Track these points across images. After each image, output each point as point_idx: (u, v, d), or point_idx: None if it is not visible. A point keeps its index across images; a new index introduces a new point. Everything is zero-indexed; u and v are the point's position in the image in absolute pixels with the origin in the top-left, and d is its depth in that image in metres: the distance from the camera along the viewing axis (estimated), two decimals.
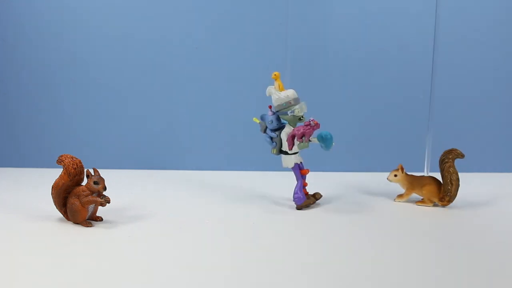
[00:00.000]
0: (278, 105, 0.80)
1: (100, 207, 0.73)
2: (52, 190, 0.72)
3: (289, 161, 0.83)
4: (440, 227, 0.73)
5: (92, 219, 0.73)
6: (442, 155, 0.86)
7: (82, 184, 0.73)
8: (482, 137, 1.24)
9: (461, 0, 1.19)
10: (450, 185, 0.83)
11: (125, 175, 1.16)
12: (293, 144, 0.80)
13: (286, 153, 0.83)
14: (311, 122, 0.79)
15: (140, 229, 0.70)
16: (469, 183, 0.95)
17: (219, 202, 0.88)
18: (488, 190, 0.99)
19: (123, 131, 1.26)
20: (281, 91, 0.81)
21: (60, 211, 0.73)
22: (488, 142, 1.24)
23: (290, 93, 0.80)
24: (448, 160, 0.84)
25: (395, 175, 0.87)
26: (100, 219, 0.73)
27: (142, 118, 1.25)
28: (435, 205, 0.86)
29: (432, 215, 0.80)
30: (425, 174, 1.01)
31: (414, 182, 0.87)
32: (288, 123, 0.82)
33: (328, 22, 1.22)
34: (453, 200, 0.84)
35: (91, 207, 0.71)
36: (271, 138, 0.83)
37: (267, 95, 0.83)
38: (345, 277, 0.51)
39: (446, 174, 0.83)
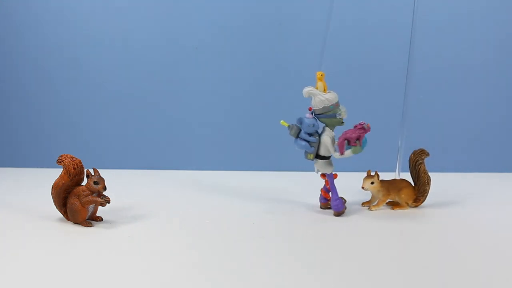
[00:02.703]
0: (324, 107, 0.75)
1: (100, 207, 0.73)
2: (52, 190, 0.72)
3: (328, 166, 0.79)
4: (442, 224, 0.73)
5: (92, 219, 0.73)
6: (414, 156, 0.85)
7: (82, 184, 0.73)
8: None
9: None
10: (426, 185, 0.83)
11: (125, 175, 1.16)
12: (345, 149, 0.77)
13: (323, 158, 0.78)
14: (364, 125, 0.76)
15: (140, 229, 0.70)
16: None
17: (219, 202, 0.88)
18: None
19: (123, 131, 1.26)
20: (325, 92, 0.76)
21: (60, 211, 0.73)
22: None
23: (335, 95, 0.76)
24: (422, 161, 0.84)
25: (372, 183, 0.81)
26: (100, 219, 0.73)
27: (142, 118, 1.25)
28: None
29: (426, 212, 0.80)
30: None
31: (390, 187, 0.83)
32: (326, 126, 0.78)
33: None
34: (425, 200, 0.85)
35: (91, 207, 0.71)
36: (309, 142, 0.77)
37: (306, 96, 0.77)
38: (345, 278, 0.51)
39: (423, 175, 0.83)
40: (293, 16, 1.21)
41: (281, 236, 0.67)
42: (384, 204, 0.85)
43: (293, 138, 0.78)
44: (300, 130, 0.77)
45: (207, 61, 1.23)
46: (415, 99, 1.20)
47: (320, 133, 0.78)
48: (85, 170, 0.72)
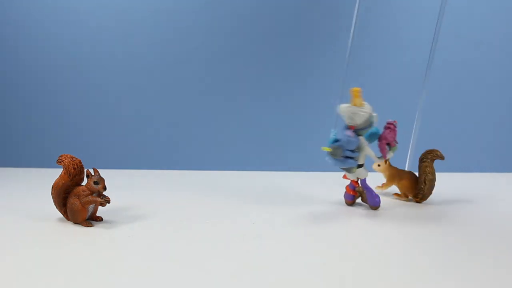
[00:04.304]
0: (366, 120, 0.76)
1: (100, 207, 0.73)
2: (52, 190, 0.72)
3: (366, 171, 0.82)
4: (442, 221, 0.73)
5: (92, 219, 0.73)
6: (422, 154, 0.88)
7: (82, 184, 0.73)
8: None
9: (467, 1, 1.20)
10: (423, 184, 0.85)
11: (125, 175, 1.15)
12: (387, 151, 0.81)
13: (361, 166, 0.81)
14: (395, 123, 0.80)
15: (140, 229, 0.70)
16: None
17: (219, 202, 0.88)
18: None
19: (123, 131, 1.26)
20: (361, 106, 0.76)
21: (60, 211, 0.73)
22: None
23: (369, 105, 0.77)
24: (426, 160, 0.86)
25: (378, 165, 0.90)
26: (100, 219, 0.73)
27: (142, 118, 1.25)
28: (409, 199, 0.90)
29: (427, 210, 0.80)
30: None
31: (394, 174, 0.89)
32: (359, 135, 0.79)
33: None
34: (426, 198, 0.87)
35: (91, 207, 0.71)
36: (353, 158, 0.78)
37: (348, 115, 0.76)
38: (346, 278, 0.51)
39: (422, 173, 0.86)
40: (294, 15, 1.21)
41: (283, 236, 0.67)
42: (388, 188, 0.92)
43: (333, 158, 0.77)
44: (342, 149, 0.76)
45: (207, 62, 1.23)
46: (428, 101, 1.21)
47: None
48: (85, 170, 0.72)
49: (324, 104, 1.21)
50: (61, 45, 1.22)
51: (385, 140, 0.79)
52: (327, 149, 0.76)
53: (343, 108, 0.77)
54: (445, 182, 1.09)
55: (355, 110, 0.75)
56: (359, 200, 0.90)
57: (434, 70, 1.23)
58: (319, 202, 0.88)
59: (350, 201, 0.86)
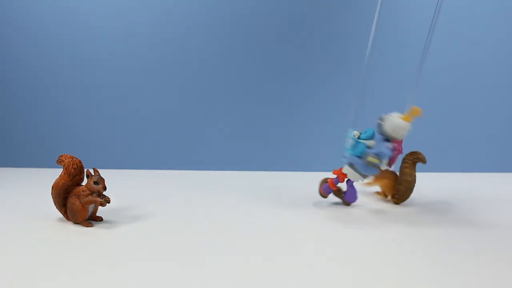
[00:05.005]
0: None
1: (100, 207, 0.73)
2: (52, 190, 0.72)
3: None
4: (442, 221, 0.73)
5: (92, 219, 0.73)
6: (406, 155, 0.87)
7: (82, 184, 0.73)
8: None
9: (461, 2, 1.19)
10: (399, 185, 0.85)
11: (125, 175, 1.15)
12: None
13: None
14: None
15: (140, 229, 0.70)
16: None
17: (220, 202, 0.88)
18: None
19: (123, 131, 1.26)
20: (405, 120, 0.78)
21: (60, 211, 0.73)
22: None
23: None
24: (407, 161, 0.85)
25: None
26: (100, 219, 0.73)
27: (142, 118, 1.25)
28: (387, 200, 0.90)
29: (427, 210, 0.80)
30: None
31: (378, 174, 0.87)
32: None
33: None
34: (403, 200, 0.86)
35: (91, 207, 0.71)
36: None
37: (398, 130, 0.77)
38: (346, 278, 0.51)
39: (400, 174, 0.85)
40: (294, 15, 1.21)
41: (283, 236, 0.67)
42: (372, 186, 0.90)
43: (370, 166, 0.79)
44: None
45: (207, 62, 1.22)
46: (428, 101, 1.21)
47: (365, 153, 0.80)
48: (85, 170, 0.72)
49: (324, 104, 1.21)
50: (61, 45, 1.22)
51: (397, 151, 0.80)
52: (374, 160, 0.77)
53: (398, 120, 0.77)
54: (445, 182, 1.09)
55: (408, 127, 0.76)
56: (360, 200, 0.90)
57: (434, 71, 1.23)
58: (319, 203, 0.88)
59: (327, 194, 0.87)
